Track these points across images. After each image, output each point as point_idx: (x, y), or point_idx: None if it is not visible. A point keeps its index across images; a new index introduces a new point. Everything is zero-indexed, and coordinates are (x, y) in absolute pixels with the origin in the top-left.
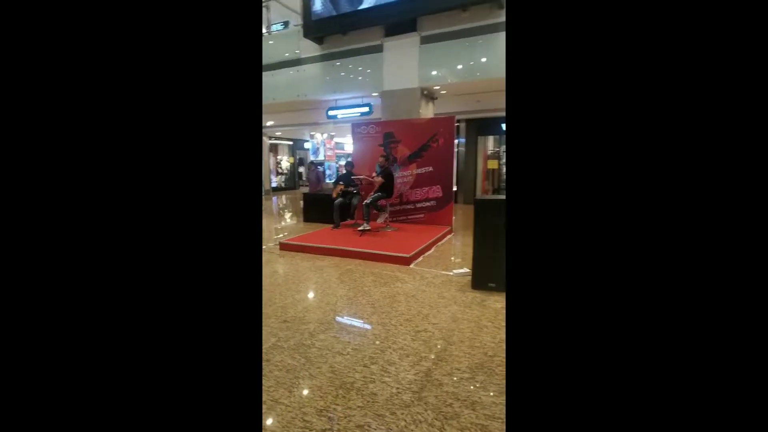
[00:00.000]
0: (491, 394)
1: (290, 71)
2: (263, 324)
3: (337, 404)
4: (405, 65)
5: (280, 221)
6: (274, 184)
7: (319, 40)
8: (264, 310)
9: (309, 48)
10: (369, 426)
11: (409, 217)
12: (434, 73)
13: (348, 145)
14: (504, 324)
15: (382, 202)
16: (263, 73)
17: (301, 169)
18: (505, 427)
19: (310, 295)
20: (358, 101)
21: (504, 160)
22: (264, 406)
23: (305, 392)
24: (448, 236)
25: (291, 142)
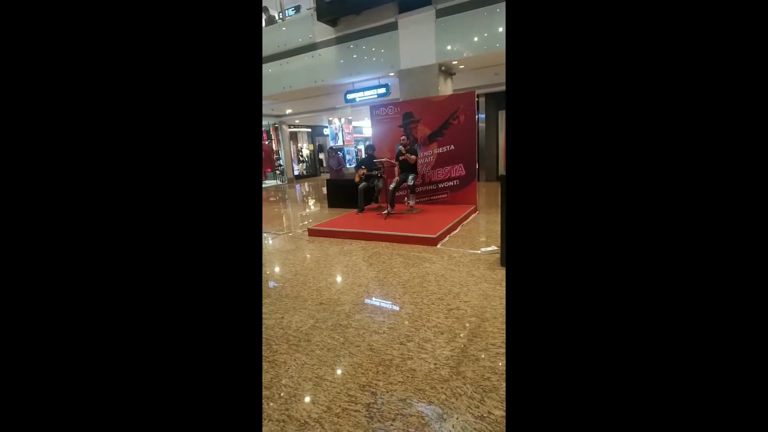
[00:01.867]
0: None
1: (305, 57)
2: (301, 307)
3: (379, 380)
4: (421, 41)
5: (305, 208)
6: (296, 172)
7: (332, 22)
8: (300, 294)
9: (323, 32)
10: (411, 399)
11: (433, 197)
12: (452, 47)
13: (366, 128)
14: None
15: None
16: (278, 61)
17: (321, 156)
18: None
19: (343, 277)
20: (375, 83)
21: None
22: (310, 383)
23: (347, 369)
24: (473, 215)
25: (310, 129)
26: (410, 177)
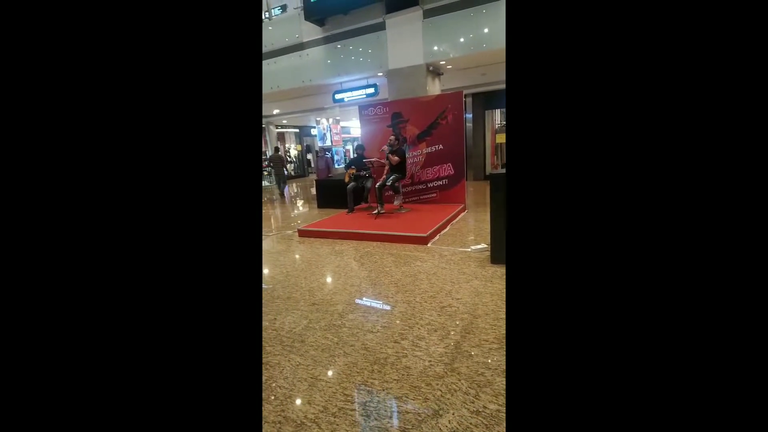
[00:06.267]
0: None
1: (293, 57)
2: (294, 308)
3: (374, 378)
4: (409, 42)
5: (294, 209)
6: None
7: (320, 22)
8: (292, 295)
9: (310, 31)
10: (407, 397)
11: (422, 197)
12: (439, 47)
13: (354, 128)
14: None
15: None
16: (266, 61)
17: (309, 156)
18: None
19: (335, 278)
20: (363, 83)
21: None
22: (305, 384)
23: (342, 369)
24: (462, 214)
25: (297, 130)
26: (391, 177)
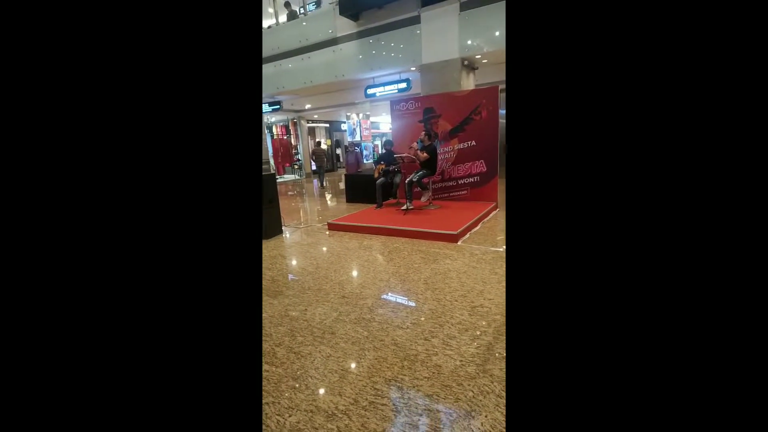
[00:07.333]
0: None
1: (327, 52)
2: (324, 300)
3: (404, 375)
4: (444, 35)
5: (324, 203)
6: (314, 167)
7: (354, 16)
8: (322, 287)
9: (344, 26)
10: (438, 396)
11: (452, 194)
12: (475, 41)
13: (384, 124)
14: None
15: (425, 179)
16: (300, 56)
17: (338, 151)
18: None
19: (364, 272)
20: (396, 77)
21: None
22: (336, 375)
23: (373, 363)
24: (494, 212)
25: (327, 125)
26: (418, 174)
